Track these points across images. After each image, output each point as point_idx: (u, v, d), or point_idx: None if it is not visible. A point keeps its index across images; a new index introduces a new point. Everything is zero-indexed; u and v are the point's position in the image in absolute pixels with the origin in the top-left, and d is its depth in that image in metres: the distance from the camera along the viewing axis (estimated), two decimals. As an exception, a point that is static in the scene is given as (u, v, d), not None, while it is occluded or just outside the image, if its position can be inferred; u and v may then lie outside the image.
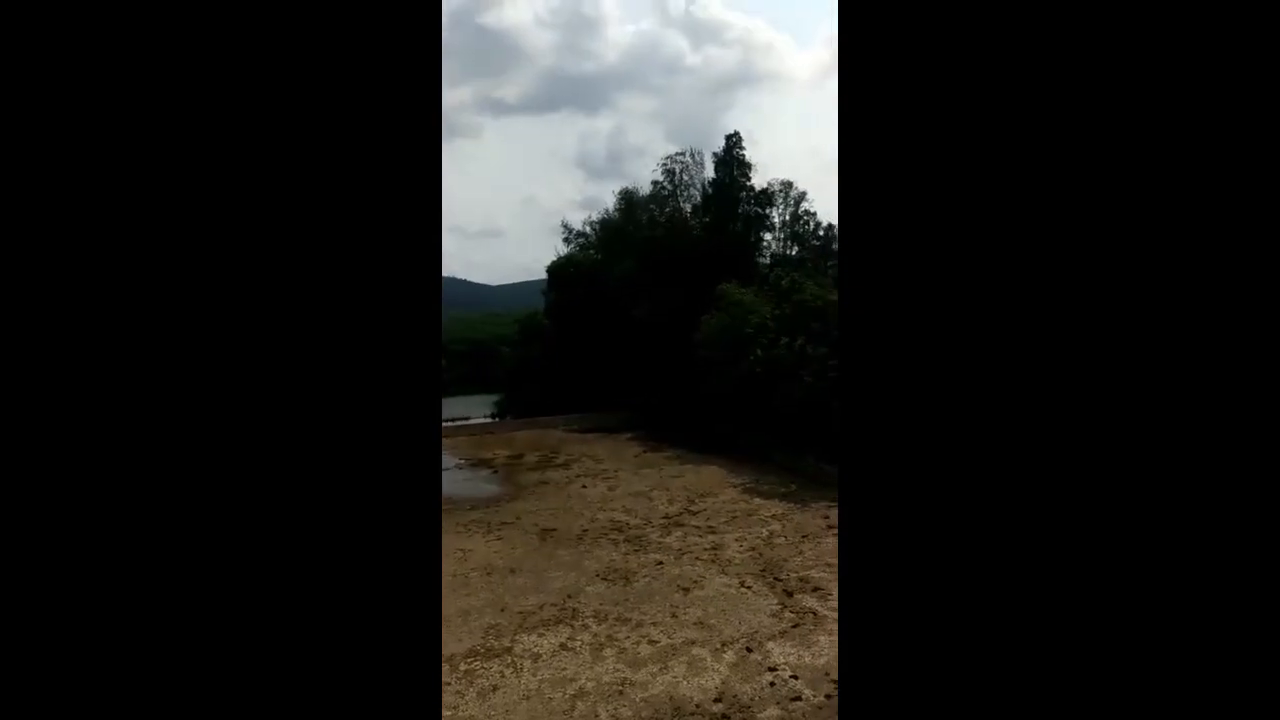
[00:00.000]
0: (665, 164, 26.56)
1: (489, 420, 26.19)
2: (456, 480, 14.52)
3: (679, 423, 18.45)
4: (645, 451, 16.64)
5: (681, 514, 10.90)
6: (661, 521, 10.52)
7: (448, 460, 16.43)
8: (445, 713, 5.41)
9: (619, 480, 13.48)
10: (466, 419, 26.20)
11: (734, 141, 23.89)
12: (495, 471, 15.23)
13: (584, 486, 13.13)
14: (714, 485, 12.70)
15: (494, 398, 31.75)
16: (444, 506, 11.97)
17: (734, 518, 10.55)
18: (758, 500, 11.51)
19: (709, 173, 25.59)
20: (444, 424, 23.84)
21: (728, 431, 16.12)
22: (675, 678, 5.83)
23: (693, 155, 25.89)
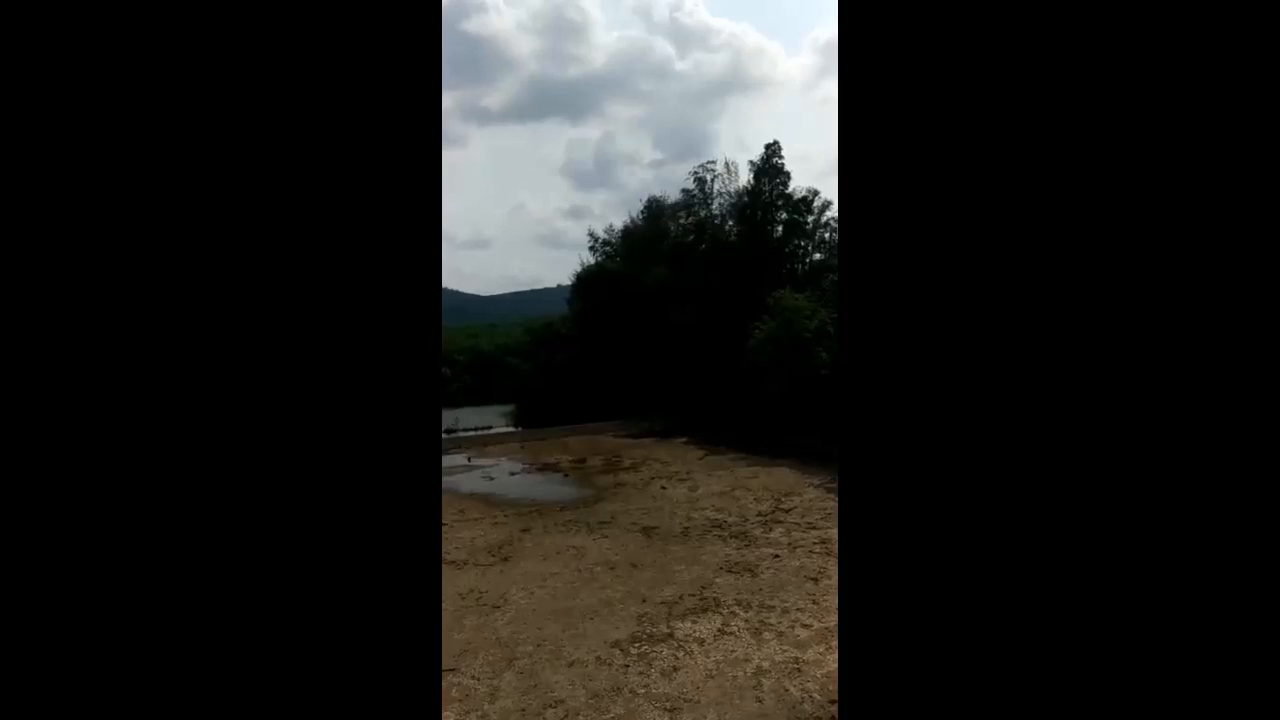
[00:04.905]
0: (696, 172, 27.39)
1: (512, 430, 26.43)
2: (532, 484, 14.85)
3: (731, 427, 18.82)
4: (708, 455, 16.94)
5: (774, 511, 11.22)
6: (758, 519, 10.84)
7: (514, 465, 16.80)
8: (639, 689, 5.76)
9: (696, 482, 13.80)
10: (489, 428, 26.48)
11: (773, 150, 24.56)
12: (566, 475, 15.53)
13: (663, 487, 13.45)
14: (792, 485, 13.04)
15: (506, 408, 31.86)
16: (532, 508, 12.36)
17: (828, 514, 10.87)
18: (843, 498, 11.87)
19: (741, 181, 26.20)
20: (485, 432, 24.24)
21: (789, 435, 16.48)
22: (845, 657, 6.18)
23: (727, 165, 26.51)
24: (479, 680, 6.03)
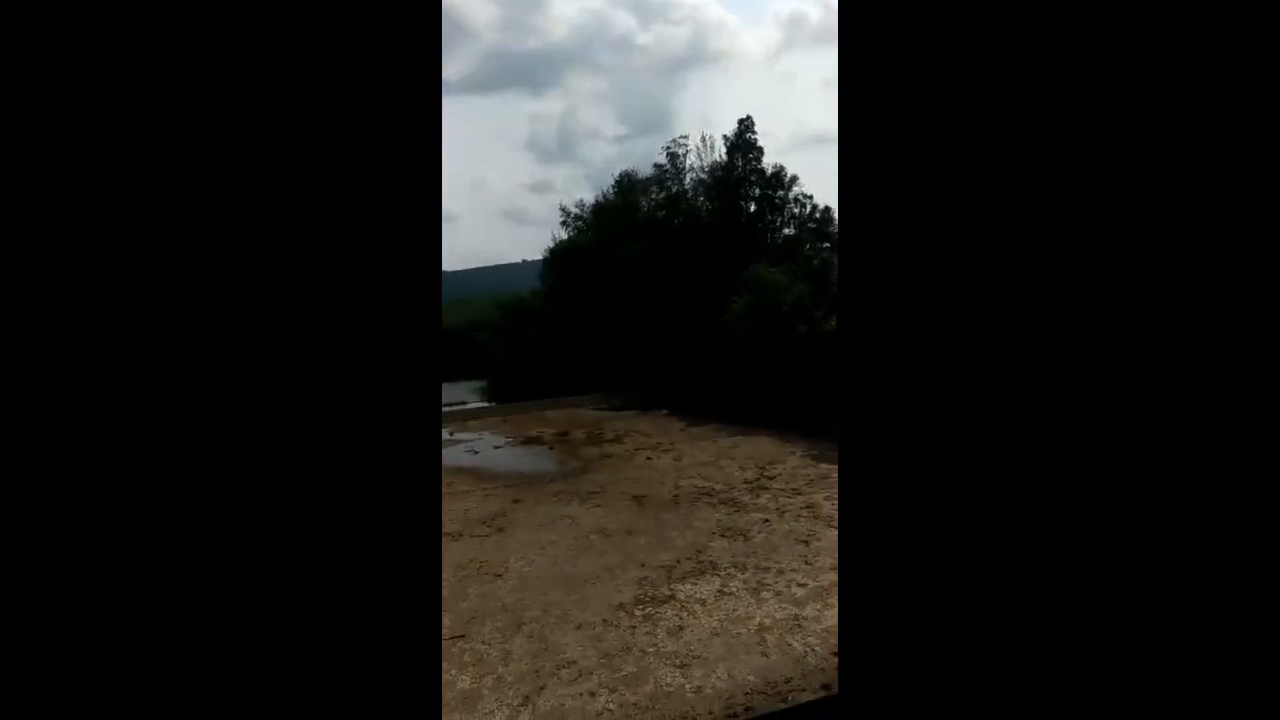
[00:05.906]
0: (669, 147, 27.27)
1: (487, 405, 26.44)
2: (517, 457, 14.96)
3: (709, 400, 19.10)
4: (689, 426, 17.22)
5: (759, 479, 11.53)
6: (744, 486, 11.13)
7: (497, 439, 16.86)
8: (648, 648, 5.99)
9: (680, 452, 14.06)
10: (464, 404, 26.47)
11: (746, 125, 24.58)
12: (551, 448, 15.66)
13: (649, 458, 13.68)
14: (775, 454, 13.37)
15: (477, 384, 31.75)
16: (521, 480, 12.49)
17: (811, 481, 11.23)
18: (825, 465, 12.20)
19: (716, 155, 26.25)
20: (463, 407, 24.20)
21: (769, 407, 16.82)
22: (841, 612, 6.49)
23: (703, 139, 26.53)
24: (490, 645, 6.19)
